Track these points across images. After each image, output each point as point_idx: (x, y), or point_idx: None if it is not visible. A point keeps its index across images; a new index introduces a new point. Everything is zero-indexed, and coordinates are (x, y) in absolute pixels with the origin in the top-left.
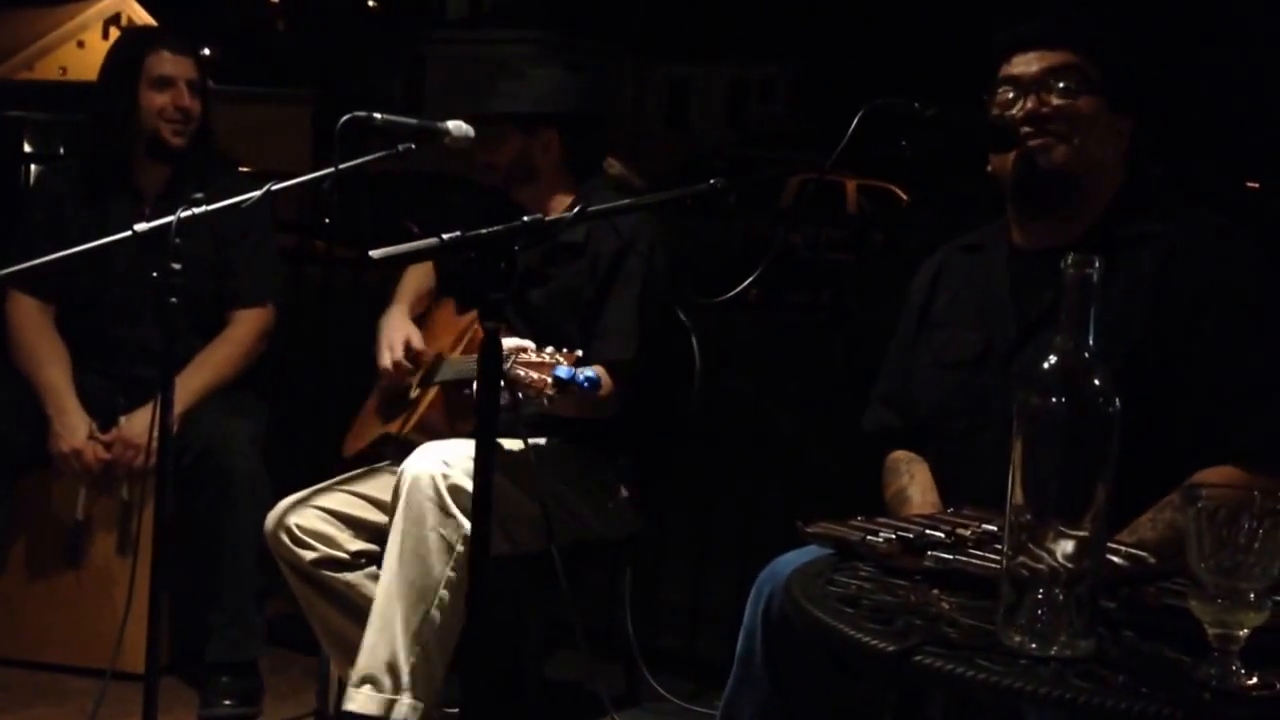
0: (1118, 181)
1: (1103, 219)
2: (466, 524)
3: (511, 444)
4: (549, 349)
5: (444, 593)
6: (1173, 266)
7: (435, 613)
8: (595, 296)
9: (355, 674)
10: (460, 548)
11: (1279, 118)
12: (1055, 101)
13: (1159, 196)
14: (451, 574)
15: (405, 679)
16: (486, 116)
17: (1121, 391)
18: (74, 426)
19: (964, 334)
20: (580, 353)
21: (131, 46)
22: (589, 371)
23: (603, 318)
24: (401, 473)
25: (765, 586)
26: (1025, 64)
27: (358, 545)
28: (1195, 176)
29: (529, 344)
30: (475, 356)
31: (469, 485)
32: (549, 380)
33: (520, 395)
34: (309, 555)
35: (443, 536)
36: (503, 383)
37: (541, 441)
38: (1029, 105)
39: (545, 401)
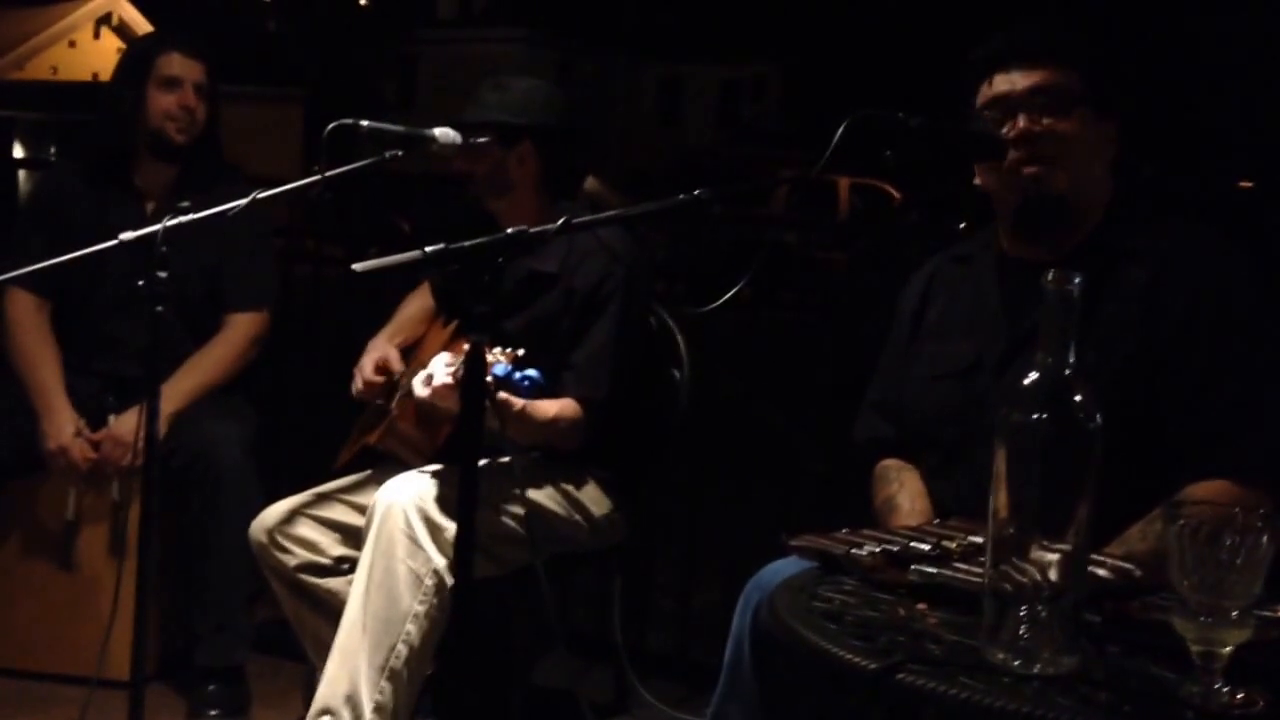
0: (1109, 191)
1: (1095, 232)
2: (437, 558)
3: (486, 465)
4: (496, 349)
5: (410, 627)
6: (1164, 281)
7: (401, 647)
8: (572, 330)
9: (314, 706)
10: (429, 581)
11: (1270, 116)
12: (1046, 121)
13: (1151, 207)
14: (419, 608)
15: (367, 714)
16: (465, 124)
17: (1114, 405)
18: (61, 425)
19: (955, 345)
20: (521, 352)
21: (145, 46)
22: (530, 371)
23: (578, 353)
24: (375, 502)
25: (753, 595)
26: (1009, 83)
27: (340, 550)
28: (1186, 180)
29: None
30: None
31: (442, 519)
32: (488, 379)
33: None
34: (291, 560)
35: (412, 569)
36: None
37: (519, 460)
38: (1020, 125)
39: (494, 419)
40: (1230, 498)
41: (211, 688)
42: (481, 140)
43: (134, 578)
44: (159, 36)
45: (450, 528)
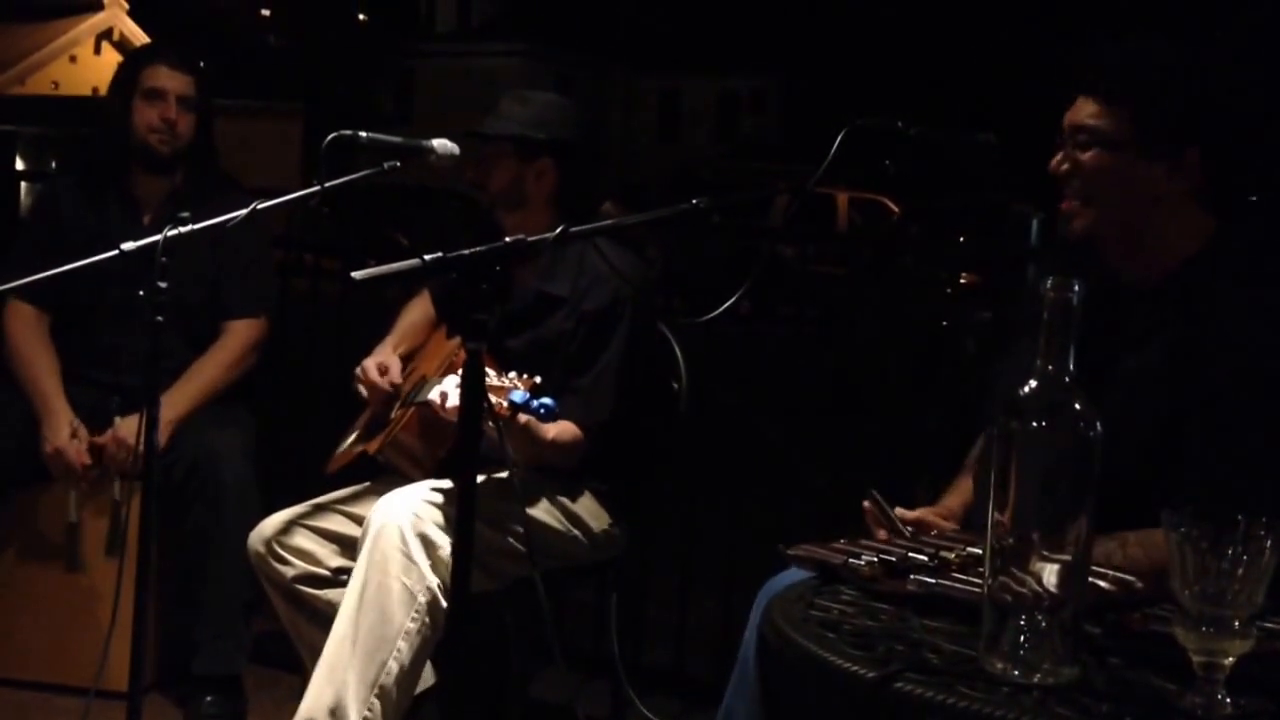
0: (1202, 227)
1: (1177, 271)
2: (431, 575)
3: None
4: (511, 374)
5: (401, 644)
6: (1215, 333)
7: (392, 664)
8: (578, 354)
9: (297, 718)
10: (423, 599)
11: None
12: (1076, 156)
13: (1247, 251)
14: (411, 625)
15: None
16: (483, 136)
17: (1132, 447)
18: (57, 427)
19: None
20: (539, 379)
21: (134, 58)
22: (546, 400)
23: (583, 378)
24: (370, 518)
25: (762, 600)
26: (1071, 112)
27: (338, 562)
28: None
29: (488, 371)
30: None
31: (437, 536)
32: (504, 404)
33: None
34: (289, 571)
35: (406, 586)
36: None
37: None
38: (1053, 161)
39: (496, 436)
40: None
41: (209, 699)
42: (498, 151)
43: (133, 587)
44: (147, 49)
45: (445, 545)
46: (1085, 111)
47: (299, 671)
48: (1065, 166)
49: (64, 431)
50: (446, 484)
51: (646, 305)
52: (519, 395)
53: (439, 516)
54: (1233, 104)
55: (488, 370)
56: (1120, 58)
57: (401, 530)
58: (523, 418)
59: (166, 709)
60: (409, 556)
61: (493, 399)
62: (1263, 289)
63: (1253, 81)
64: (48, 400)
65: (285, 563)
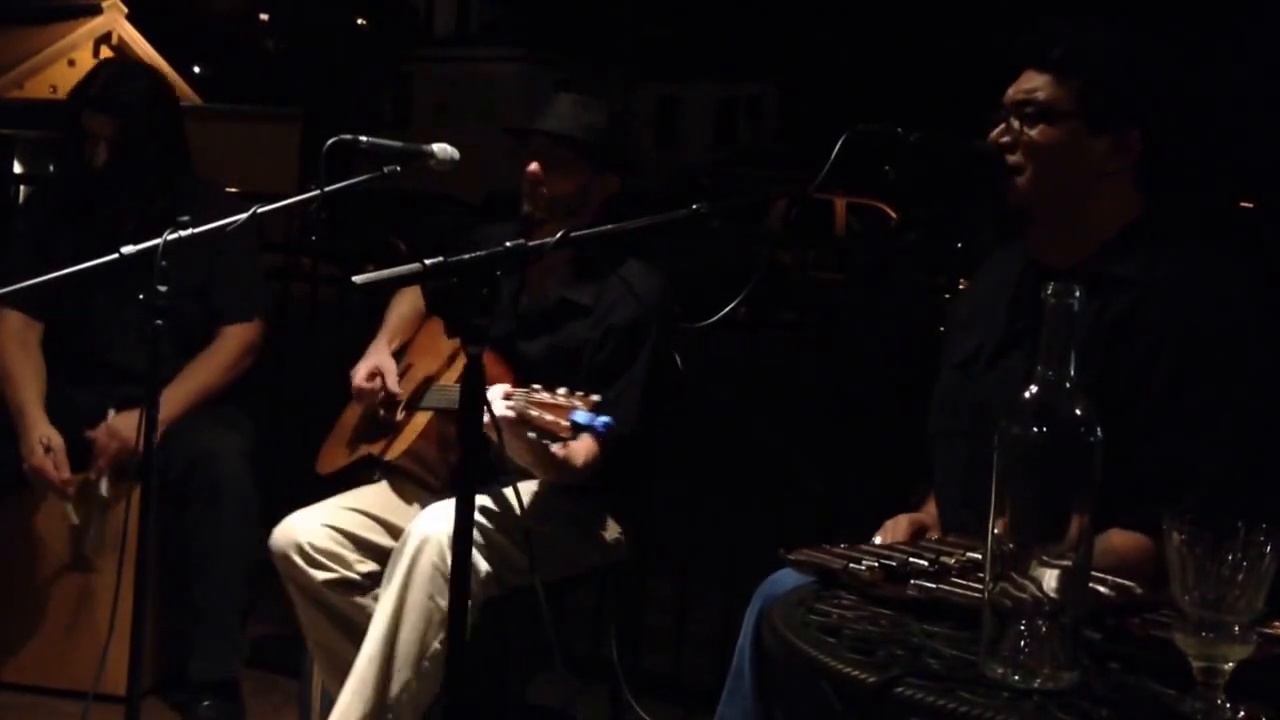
0: (1131, 208)
1: (1101, 250)
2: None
3: (509, 491)
4: (562, 390)
5: (426, 664)
6: (1140, 313)
7: (415, 684)
8: (604, 366)
9: None
10: None
11: (1273, 134)
12: (1016, 127)
13: (1169, 231)
14: (439, 646)
15: None
16: (554, 136)
17: None
18: (31, 444)
19: (965, 335)
20: (596, 397)
21: (74, 102)
22: (605, 417)
23: (609, 390)
24: (410, 531)
25: (758, 603)
26: (1016, 85)
27: (368, 567)
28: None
29: (536, 385)
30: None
31: (476, 556)
32: (565, 424)
33: (533, 436)
34: (322, 576)
35: (441, 607)
36: (492, 418)
37: (533, 485)
38: (994, 133)
39: (527, 455)
40: (1144, 555)
41: (206, 703)
42: (568, 155)
43: (132, 591)
44: (79, 86)
45: (484, 566)
46: (1033, 84)
47: (297, 676)
48: (1006, 139)
49: (37, 449)
50: (487, 500)
51: (670, 320)
52: (583, 416)
53: (478, 536)
54: (1177, 91)
55: (540, 389)
56: (1073, 32)
57: (442, 548)
58: (559, 450)
59: (165, 713)
60: (446, 576)
61: (549, 417)
62: (1200, 248)
63: (1196, 73)
64: (24, 414)
65: (319, 566)
